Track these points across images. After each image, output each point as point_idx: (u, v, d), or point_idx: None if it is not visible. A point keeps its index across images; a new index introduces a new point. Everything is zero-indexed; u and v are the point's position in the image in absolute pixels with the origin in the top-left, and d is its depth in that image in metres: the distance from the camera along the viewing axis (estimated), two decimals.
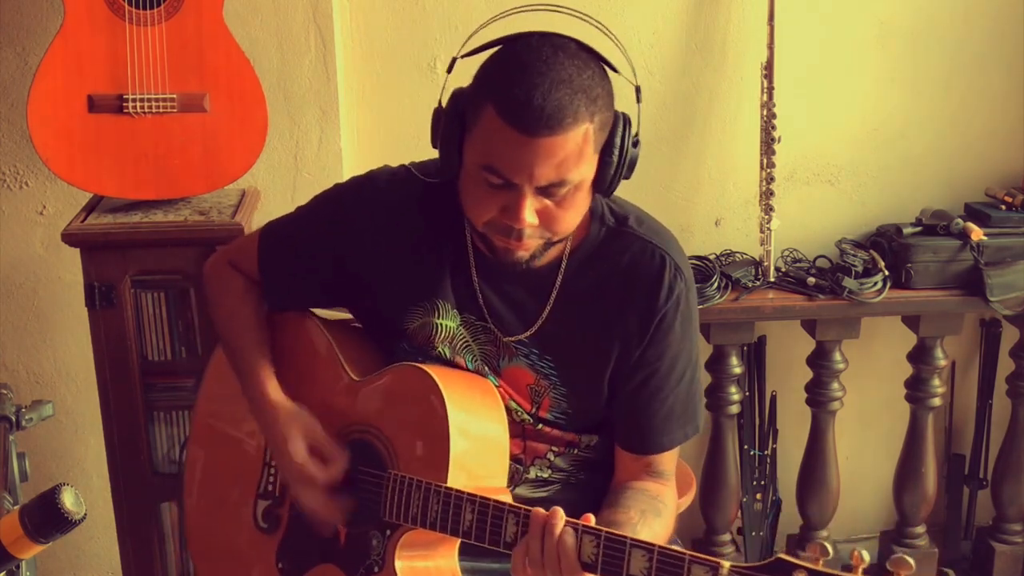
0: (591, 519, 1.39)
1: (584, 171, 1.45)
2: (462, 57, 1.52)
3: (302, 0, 2.47)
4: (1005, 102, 2.78)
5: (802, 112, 2.69)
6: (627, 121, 1.50)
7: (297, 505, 1.65)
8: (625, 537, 1.35)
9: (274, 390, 1.67)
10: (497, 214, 1.48)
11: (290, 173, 2.56)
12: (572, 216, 1.50)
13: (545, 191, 1.44)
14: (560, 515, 1.39)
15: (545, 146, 1.40)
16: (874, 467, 3.00)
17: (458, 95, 1.49)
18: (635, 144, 1.52)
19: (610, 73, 1.50)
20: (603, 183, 1.49)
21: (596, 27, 1.54)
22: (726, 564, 1.26)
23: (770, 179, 2.60)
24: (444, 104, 1.50)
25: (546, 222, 1.48)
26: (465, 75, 1.52)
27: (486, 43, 1.49)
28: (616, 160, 1.48)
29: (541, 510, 1.41)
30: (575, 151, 1.42)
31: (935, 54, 2.73)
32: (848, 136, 2.76)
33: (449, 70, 1.53)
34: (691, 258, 2.62)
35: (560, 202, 1.46)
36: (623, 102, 1.54)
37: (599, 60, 1.48)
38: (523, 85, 1.39)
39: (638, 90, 1.54)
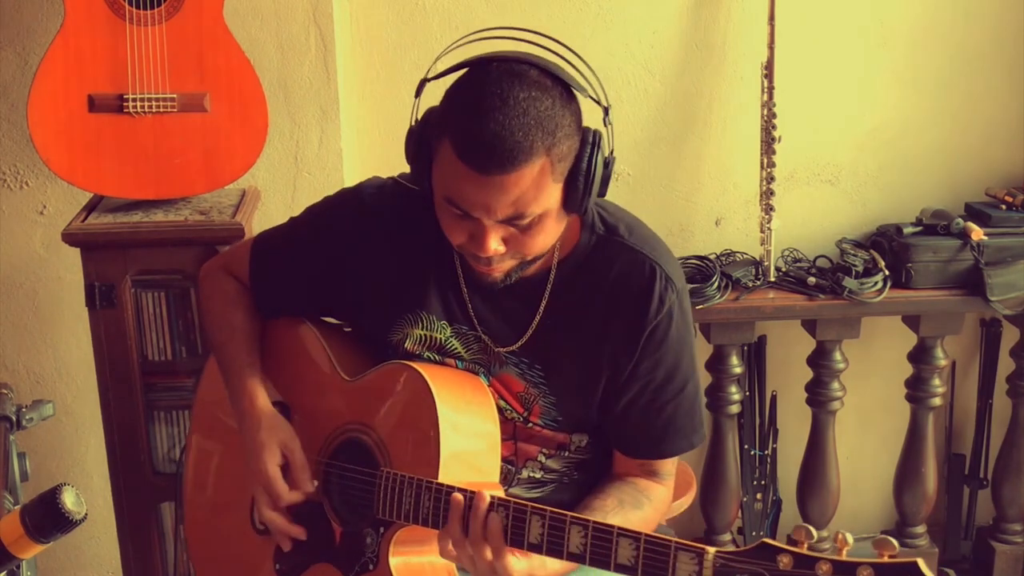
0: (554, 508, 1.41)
1: (545, 202, 1.44)
2: (430, 80, 1.52)
3: (302, 0, 2.47)
4: (1005, 102, 2.78)
5: (802, 112, 2.69)
6: (596, 142, 1.46)
7: (256, 511, 1.66)
8: (612, 526, 1.36)
9: (260, 396, 1.67)
10: (466, 240, 1.49)
11: (290, 173, 2.56)
12: (542, 240, 1.49)
13: (508, 221, 1.45)
14: (484, 495, 1.42)
15: (499, 183, 1.40)
16: (874, 467, 3.00)
17: (427, 118, 1.49)
18: (606, 164, 1.49)
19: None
20: (572, 205, 1.48)
21: (559, 54, 1.50)
22: (711, 550, 1.27)
23: (770, 179, 2.60)
24: (416, 125, 1.51)
25: (515, 247, 1.48)
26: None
27: (452, 67, 1.49)
28: (582, 185, 1.46)
29: (459, 495, 1.45)
30: (531, 186, 1.41)
31: (935, 54, 2.73)
32: (848, 136, 2.76)
33: (418, 94, 1.52)
34: (691, 258, 2.63)
35: (526, 230, 1.46)
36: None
37: (563, 84, 1.45)
38: (476, 123, 1.38)
39: (606, 111, 1.50)
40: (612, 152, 1.50)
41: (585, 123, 1.48)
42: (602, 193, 1.51)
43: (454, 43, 1.52)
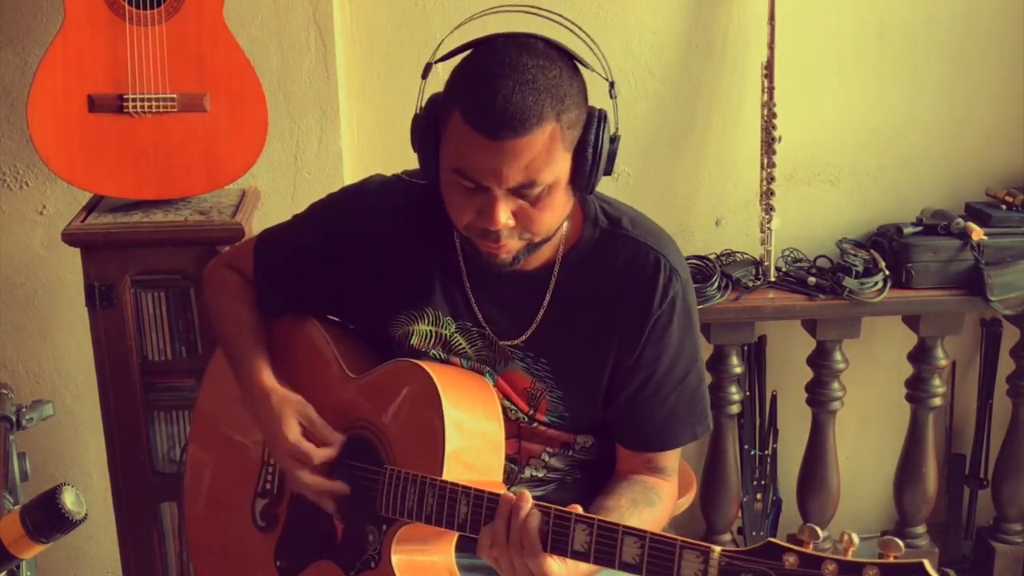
0: (577, 508, 1.40)
1: (556, 171, 1.45)
2: (436, 62, 1.53)
3: (302, 0, 2.47)
4: (1005, 102, 2.78)
5: (802, 112, 2.69)
6: (602, 117, 1.49)
7: (293, 486, 1.66)
8: (617, 524, 1.36)
9: (267, 379, 1.67)
10: (474, 217, 1.48)
11: (290, 173, 2.56)
12: (550, 216, 1.49)
13: (517, 192, 1.45)
14: (527, 497, 1.41)
15: (510, 148, 1.40)
16: (874, 467, 3.00)
17: (432, 101, 1.51)
18: (613, 140, 1.50)
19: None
20: (580, 180, 1.49)
21: (566, 26, 1.53)
22: (717, 549, 1.27)
23: (770, 179, 2.60)
24: (421, 110, 1.52)
25: (523, 222, 1.48)
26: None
27: (458, 47, 1.50)
28: (591, 157, 1.47)
29: (511, 494, 1.43)
30: (542, 151, 1.42)
31: (935, 54, 2.73)
32: (848, 136, 2.76)
33: (424, 76, 1.54)
34: (691, 258, 2.63)
35: (535, 202, 1.46)
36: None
37: (569, 57, 1.47)
38: (486, 89, 1.40)
39: (612, 85, 1.53)
40: (618, 129, 1.51)
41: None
42: (608, 171, 1.51)
43: (460, 23, 1.53)
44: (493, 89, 1.39)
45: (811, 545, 1.22)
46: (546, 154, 1.42)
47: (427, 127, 1.49)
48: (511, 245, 1.50)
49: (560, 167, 1.45)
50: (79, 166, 2.21)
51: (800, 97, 2.67)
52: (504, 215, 1.45)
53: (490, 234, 1.48)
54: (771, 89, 2.58)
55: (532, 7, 1.53)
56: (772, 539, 1.24)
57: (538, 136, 1.40)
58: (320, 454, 1.60)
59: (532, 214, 1.47)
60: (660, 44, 2.66)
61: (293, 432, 1.61)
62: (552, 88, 1.41)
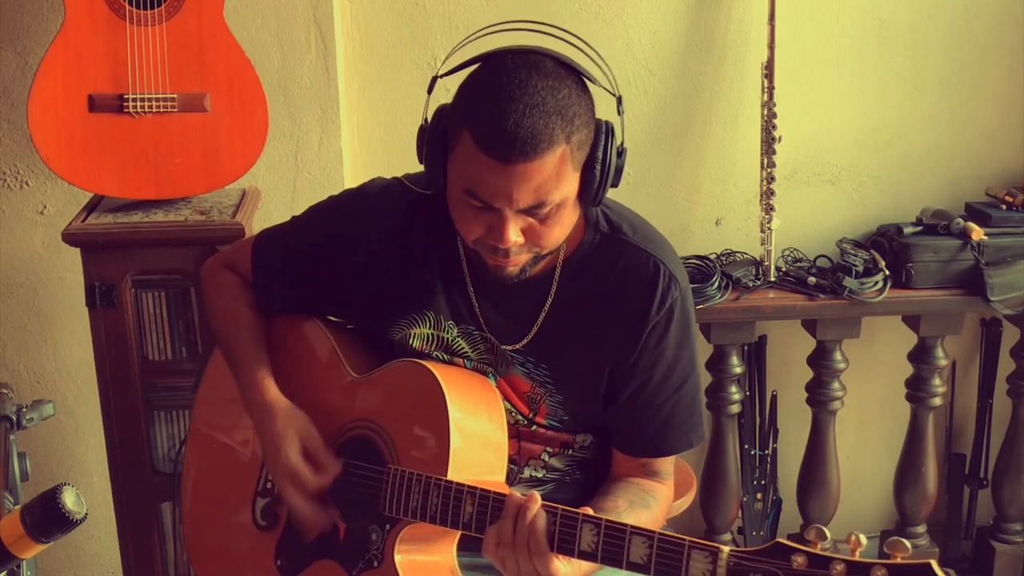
0: (588, 511, 1.40)
1: (565, 190, 1.45)
2: (442, 76, 1.53)
3: (302, 0, 2.47)
4: (1005, 102, 2.78)
5: (802, 112, 2.69)
6: (610, 131, 1.49)
7: (286, 504, 1.66)
8: (624, 524, 1.36)
9: (271, 389, 1.67)
10: (483, 233, 1.49)
11: (290, 173, 2.56)
12: (559, 231, 1.50)
13: (527, 211, 1.45)
14: (535, 498, 1.42)
15: (521, 172, 1.40)
16: (874, 467, 3.00)
17: (440, 114, 1.50)
18: (620, 154, 1.51)
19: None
20: (588, 195, 1.49)
21: (571, 42, 1.52)
22: (725, 549, 1.28)
23: (770, 179, 2.60)
24: (428, 121, 1.51)
25: (532, 238, 1.49)
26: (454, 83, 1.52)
27: (465, 61, 1.50)
28: (599, 174, 1.48)
29: (518, 493, 1.43)
30: (553, 173, 1.42)
31: (935, 54, 2.73)
32: (848, 136, 2.76)
33: (430, 90, 1.53)
34: (692, 258, 2.63)
35: (544, 220, 1.47)
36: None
37: (577, 74, 1.47)
38: (496, 112, 1.39)
39: (619, 100, 1.53)
40: (623, 143, 1.51)
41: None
42: (615, 184, 1.52)
43: (466, 39, 1.53)
44: (504, 112, 1.39)
45: (819, 546, 1.22)
46: (556, 176, 1.43)
47: (435, 140, 1.49)
48: (519, 259, 1.51)
49: (569, 187, 1.46)
50: (79, 166, 2.21)
51: (800, 97, 2.68)
52: (514, 234, 1.46)
53: (499, 251, 1.49)
54: (771, 89, 2.58)
55: (537, 23, 1.52)
56: (780, 540, 1.24)
57: (549, 159, 1.41)
58: (315, 483, 1.60)
59: (541, 231, 1.48)
60: (660, 44, 2.66)
61: (295, 454, 1.61)
62: (562, 110, 1.41)
